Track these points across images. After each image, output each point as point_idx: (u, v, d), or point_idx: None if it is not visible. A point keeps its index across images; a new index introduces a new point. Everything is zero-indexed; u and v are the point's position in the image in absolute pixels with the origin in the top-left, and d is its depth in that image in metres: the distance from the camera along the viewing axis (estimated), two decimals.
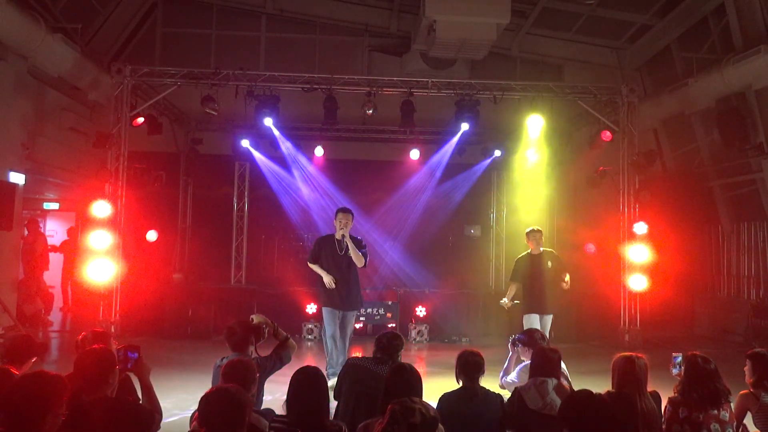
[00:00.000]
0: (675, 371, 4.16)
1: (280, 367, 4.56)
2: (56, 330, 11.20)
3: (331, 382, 6.34)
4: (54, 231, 14.22)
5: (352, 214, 7.53)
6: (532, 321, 7.75)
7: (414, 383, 3.47)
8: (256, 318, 4.71)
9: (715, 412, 3.62)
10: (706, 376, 3.71)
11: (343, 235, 7.39)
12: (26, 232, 12.10)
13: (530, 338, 5.30)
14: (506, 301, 8.00)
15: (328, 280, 7.37)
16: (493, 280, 13.11)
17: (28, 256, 11.61)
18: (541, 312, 7.87)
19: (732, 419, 3.71)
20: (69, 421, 3.05)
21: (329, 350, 7.39)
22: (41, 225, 13.62)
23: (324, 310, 7.48)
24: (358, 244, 7.50)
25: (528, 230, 8.19)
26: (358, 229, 13.20)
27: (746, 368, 4.21)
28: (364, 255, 7.47)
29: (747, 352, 4.36)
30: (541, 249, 8.04)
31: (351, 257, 7.42)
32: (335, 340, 7.39)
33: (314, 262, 7.59)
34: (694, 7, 11.28)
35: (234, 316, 10.75)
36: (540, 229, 8.19)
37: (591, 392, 2.91)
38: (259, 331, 4.58)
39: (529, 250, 8.11)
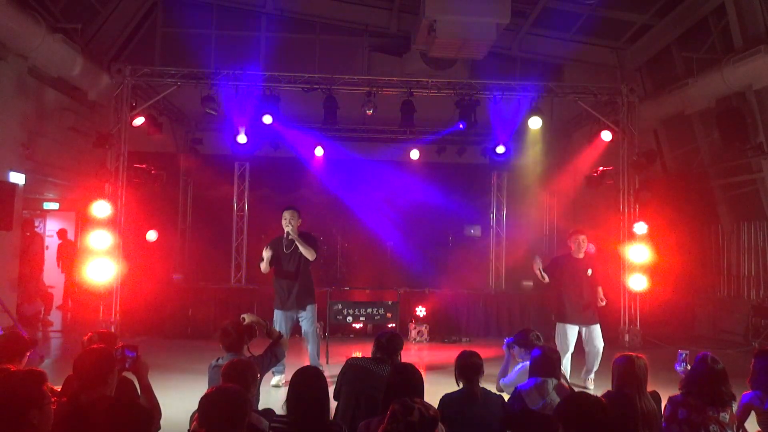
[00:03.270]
0: (679, 368, 4.15)
1: (275, 364, 4.68)
2: (56, 330, 11.19)
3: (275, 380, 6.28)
4: (53, 231, 14.20)
5: (298, 212, 7.47)
6: (568, 331, 7.32)
7: (416, 383, 3.47)
8: (247, 317, 4.73)
9: (716, 413, 3.61)
10: (712, 376, 3.69)
11: (288, 233, 7.39)
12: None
13: (526, 339, 5.28)
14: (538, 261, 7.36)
15: (266, 257, 7.27)
16: (493, 280, 13.09)
17: (25, 257, 11.61)
18: (583, 323, 7.38)
19: (732, 421, 3.69)
20: (68, 421, 3.05)
21: None
22: (39, 226, 13.61)
23: (275, 312, 7.47)
24: (307, 239, 7.47)
25: (572, 230, 7.69)
26: (357, 229, 13.28)
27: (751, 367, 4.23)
28: (312, 245, 7.41)
29: (755, 351, 4.39)
30: (582, 254, 7.48)
31: (298, 255, 7.40)
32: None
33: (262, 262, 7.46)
34: (694, 7, 11.27)
35: (234, 316, 10.74)
36: (584, 233, 7.59)
37: (588, 394, 2.91)
38: (252, 330, 4.61)
39: (570, 251, 7.55)
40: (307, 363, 6.90)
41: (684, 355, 4.15)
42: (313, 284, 7.69)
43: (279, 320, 7.40)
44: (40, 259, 12.36)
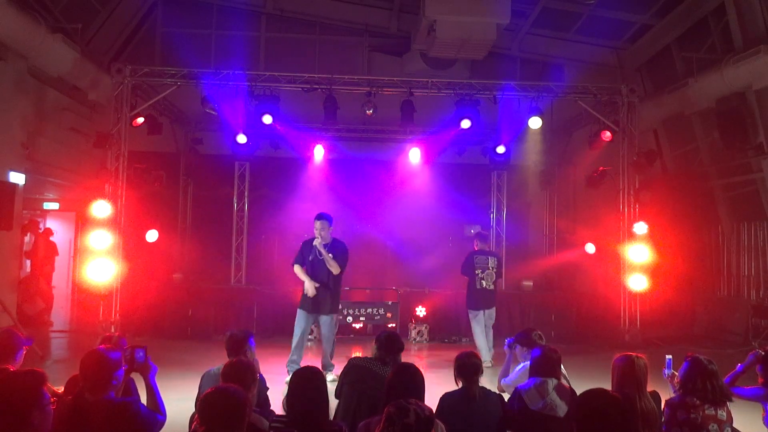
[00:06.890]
0: (667, 373, 4.16)
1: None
2: (57, 330, 11.17)
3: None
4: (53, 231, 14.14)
5: (328, 220, 7.52)
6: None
7: (417, 383, 3.46)
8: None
9: (713, 412, 3.62)
10: (707, 374, 3.71)
11: (318, 243, 7.44)
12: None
13: (527, 338, 5.26)
14: None
15: (309, 286, 7.47)
16: None
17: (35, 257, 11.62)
18: None
19: (730, 419, 3.71)
20: (71, 421, 3.06)
21: (293, 345, 7.53)
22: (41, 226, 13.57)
23: (298, 311, 7.62)
24: (336, 250, 7.51)
25: None
26: (357, 229, 13.26)
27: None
28: (339, 261, 7.47)
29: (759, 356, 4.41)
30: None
31: (324, 264, 7.48)
32: (303, 338, 7.60)
33: (300, 264, 7.66)
34: (694, 7, 11.27)
35: (234, 316, 10.80)
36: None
37: (605, 389, 2.89)
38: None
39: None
40: (310, 363, 6.90)
41: (671, 360, 4.17)
42: (338, 294, 7.77)
43: (299, 319, 7.56)
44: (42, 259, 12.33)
